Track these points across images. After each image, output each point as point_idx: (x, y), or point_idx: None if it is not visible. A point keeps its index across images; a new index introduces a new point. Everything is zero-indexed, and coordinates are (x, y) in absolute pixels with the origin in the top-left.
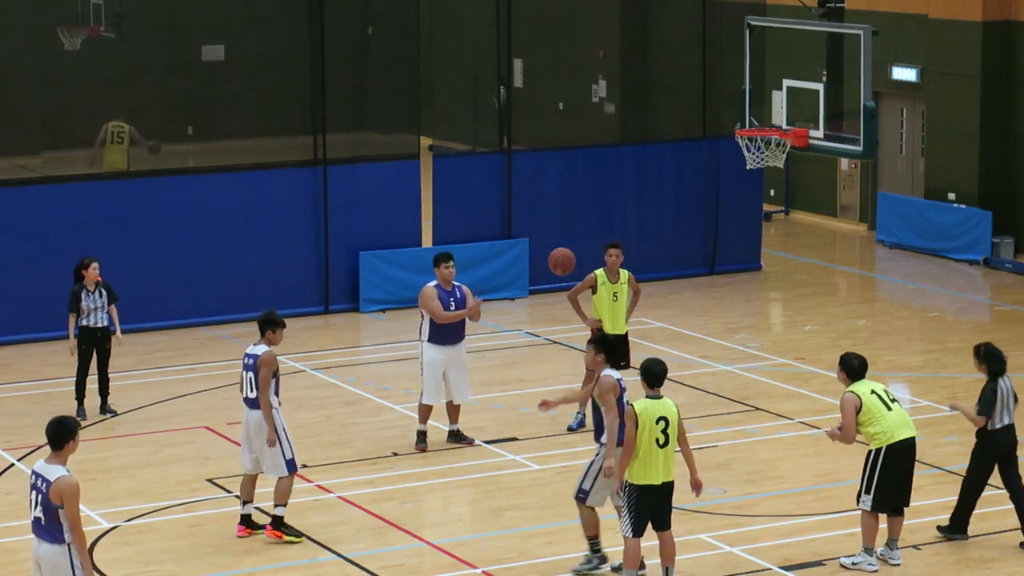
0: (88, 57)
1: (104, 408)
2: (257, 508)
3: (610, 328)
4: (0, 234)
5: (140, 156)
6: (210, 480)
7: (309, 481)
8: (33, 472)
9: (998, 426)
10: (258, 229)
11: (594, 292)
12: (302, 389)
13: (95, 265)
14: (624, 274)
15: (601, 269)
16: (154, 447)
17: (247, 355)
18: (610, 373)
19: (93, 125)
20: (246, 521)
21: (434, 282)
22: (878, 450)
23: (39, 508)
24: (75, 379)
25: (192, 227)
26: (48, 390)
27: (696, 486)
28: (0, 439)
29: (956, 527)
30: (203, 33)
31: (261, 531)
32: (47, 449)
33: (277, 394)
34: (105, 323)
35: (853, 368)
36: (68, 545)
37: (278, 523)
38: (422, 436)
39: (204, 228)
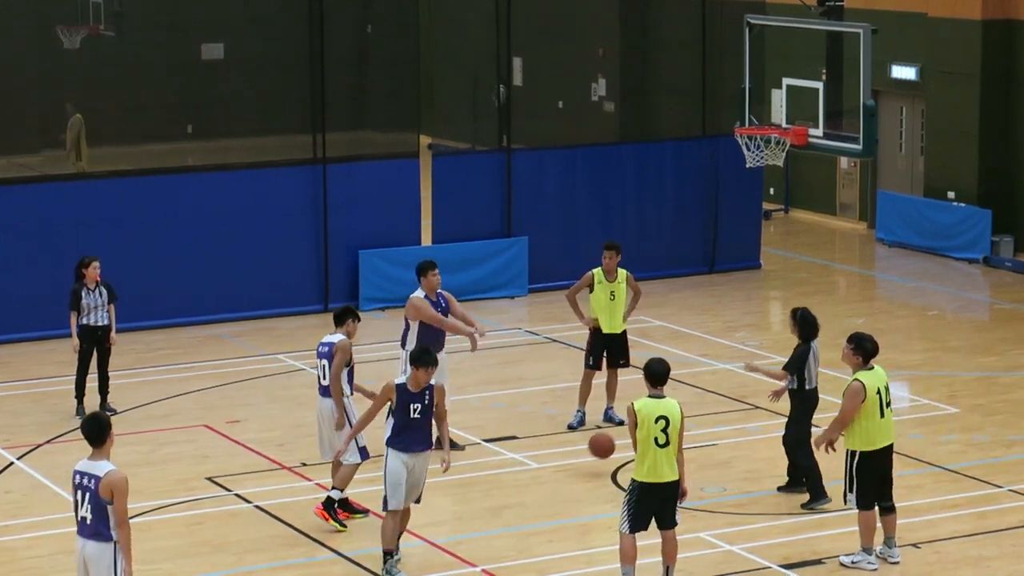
0: (87, 56)
1: (103, 406)
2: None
3: (607, 327)
4: None
5: (138, 155)
6: (209, 479)
7: (309, 480)
8: (76, 472)
9: (813, 386)
10: (258, 228)
11: (591, 291)
12: (302, 388)
13: (95, 264)
14: (622, 273)
15: (599, 268)
16: (153, 445)
17: (323, 343)
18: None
19: (93, 124)
20: (345, 505)
21: (421, 293)
22: (854, 452)
23: (87, 507)
24: (75, 377)
25: (191, 226)
26: (47, 388)
27: (682, 493)
28: None
29: (797, 486)
30: (202, 32)
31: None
32: (48, 448)
33: (350, 382)
34: (105, 322)
35: (867, 351)
36: (113, 543)
37: (329, 504)
38: None
39: (203, 227)
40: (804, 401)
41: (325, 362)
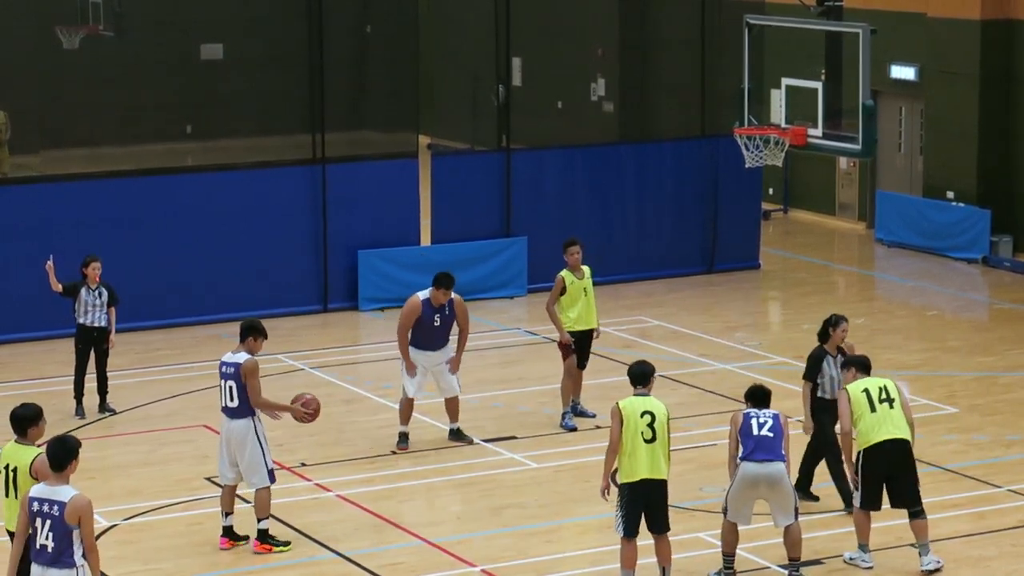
0: (87, 56)
1: (103, 407)
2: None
3: (584, 324)
4: None
5: (137, 155)
6: (208, 479)
7: (308, 479)
8: (32, 499)
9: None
10: (257, 228)
11: (563, 293)
12: (301, 388)
13: (95, 265)
14: (586, 269)
15: (565, 270)
16: (153, 446)
17: (226, 363)
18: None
19: (92, 124)
20: (228, 533)
21: (425, 295)
22: (860, 451)
23: (47, 534)
24: (73, 378)
25: (191, 226)
26: (47, 389)
27: None
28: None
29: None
30: (202, 32)
31: (243, 542)
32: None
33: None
34: (103, 323)
35: (861, 365)
36: (77, 568)
37: (264, 536)
38: (403, 437)
39: (203, 227)
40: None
41: (232, 383)
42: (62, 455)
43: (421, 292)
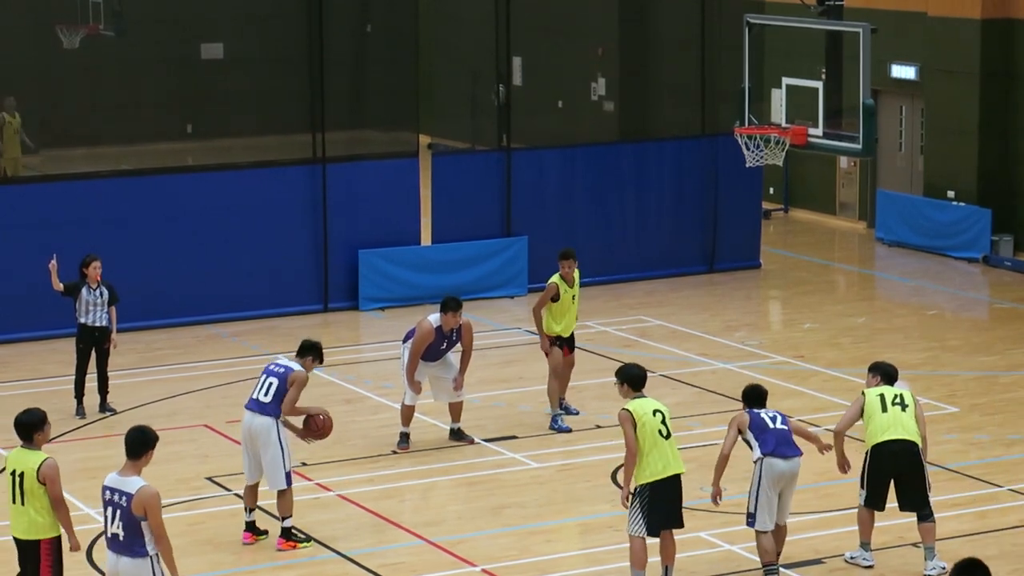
0: (87, 55)
1: (103, 406)
2: (262, 509)
3: (569, 330)
4: None
5: (138, 155)
6: (209, 478)
7: (308, 479)
8: (106, 488)
9: None
10: (257, 227)
11: (555, 300)
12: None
13: (96, 264)
14: (576, 275)
15: (557, 276)
16: None
17: (278, 364)
18: None
19: (92, 123)
20: (251, 528)
21: (437, 321)
22: (868, 450)
23: (118, 524)
24: (74, 377)
25: (191, 225)
26: (48, 388)
27: None
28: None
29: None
30: (202, 31)
31: (264, 536)
32: (48, 447)
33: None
34: (104, 323)
35: (886, 374)
36: (150, 558)
37: (288, 534)
38: (404, 437)
39: (203, 226)
40: None
41: (273, 380)
42: (139, 444)
43: (432, 317)
